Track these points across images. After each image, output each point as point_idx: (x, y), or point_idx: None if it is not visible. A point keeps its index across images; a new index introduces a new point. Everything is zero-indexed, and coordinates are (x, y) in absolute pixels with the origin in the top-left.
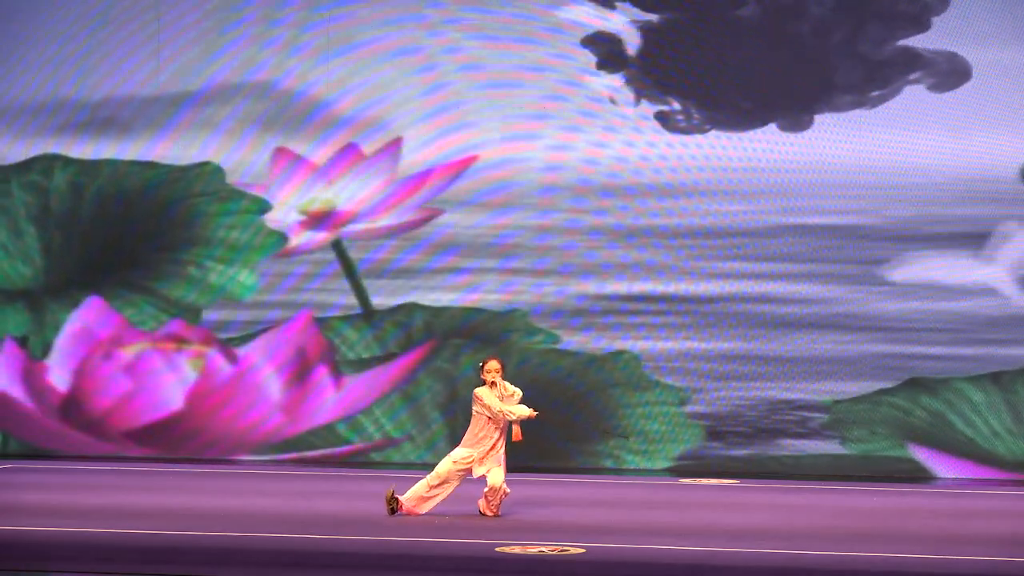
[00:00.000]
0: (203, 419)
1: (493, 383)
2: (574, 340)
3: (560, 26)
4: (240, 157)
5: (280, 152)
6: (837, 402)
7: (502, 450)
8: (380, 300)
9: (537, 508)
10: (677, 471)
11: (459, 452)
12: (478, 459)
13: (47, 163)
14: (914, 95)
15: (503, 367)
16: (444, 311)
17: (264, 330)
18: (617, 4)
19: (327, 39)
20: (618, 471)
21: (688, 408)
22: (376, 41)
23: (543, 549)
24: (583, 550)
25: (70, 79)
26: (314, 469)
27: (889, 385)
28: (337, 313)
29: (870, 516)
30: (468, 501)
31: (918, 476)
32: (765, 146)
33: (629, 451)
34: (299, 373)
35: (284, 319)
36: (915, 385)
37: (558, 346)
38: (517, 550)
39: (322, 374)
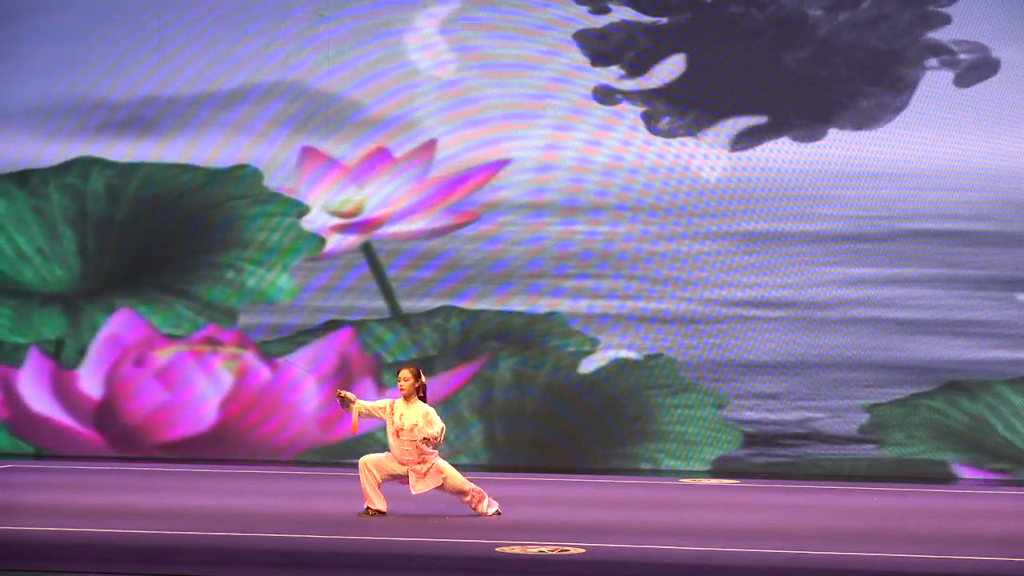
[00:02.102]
0: (242, 425)
1: (406, 394)
2: (610, 344)
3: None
4: (276, 158)
5: (307, 151)
6: (875, 405)
7: (435, 460)
8: (416, 303)
9: (537, 508)
10: (714, 474)
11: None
12: (416, 476)
13: (85, 166)
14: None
15: (416, 377)
16: (481, 315)
17: (300, 333)
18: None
19: (327, 40)
20: (656, 472)
21: (725, 412)
22: (387, 37)
23: (543, 549)
24: (583, 550)
25: (106, 80)
26: (314, 469)
27: (927, 388)
28: (373, 316)
29: (870, 516)
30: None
31: (956, 479)
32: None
33: (667, 454)
34: (342, 384)
35: (318, 324)
36: (954, 388)
37: (595, 349)
38: (517, 550)
39: (366, 385)
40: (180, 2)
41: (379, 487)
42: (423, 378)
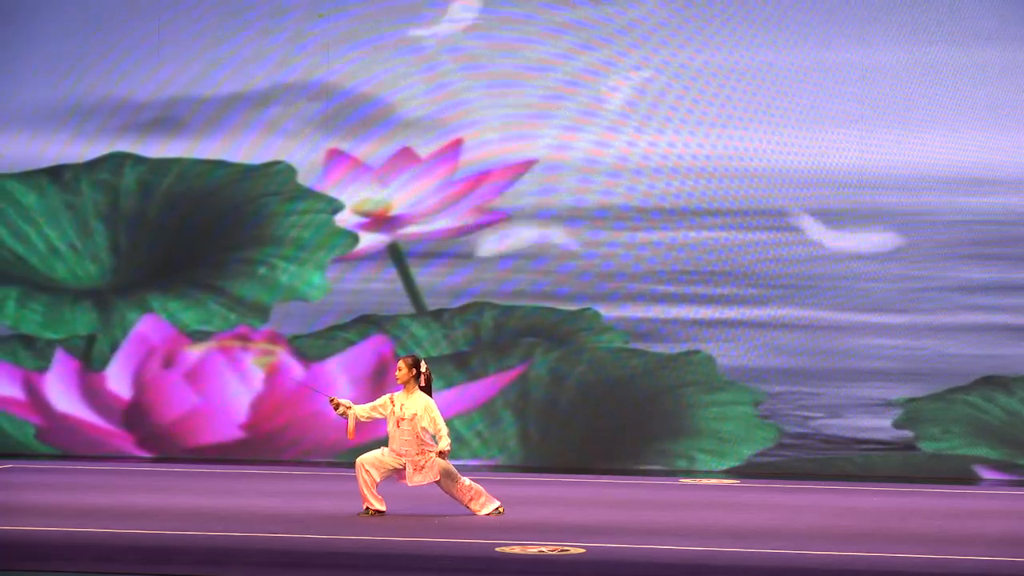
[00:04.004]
0: (272, 426)
1: (401, 382)
2: (646, 340)
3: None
4: (302, 156)
5: (333, 153)
6: (911, 400)
7: (433, 456)
8: (444, 302)
9: (537, 508)
10: (748, 472)
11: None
12: (413, 468)
13: (117, 161)
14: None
15: (411, 367)
16: (514, 310)
17: (331, 329)
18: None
19: (326, 43)
20: (689, 472)
21: (761, 409)
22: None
23: (543, 549)
24: (583, 550)
25: (138, 78)
26: (314, 469)
27: (962, 384)
28: (405, 313)
29: (870, 516)
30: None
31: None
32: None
33: (702, 451)
34: (375, 386)
35: (349, 321)
36: (990, 383)
37: (629, 345)
38: (517, 550)
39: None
40: (211, 1)
41: (376, 487)
42: (423, 368)
